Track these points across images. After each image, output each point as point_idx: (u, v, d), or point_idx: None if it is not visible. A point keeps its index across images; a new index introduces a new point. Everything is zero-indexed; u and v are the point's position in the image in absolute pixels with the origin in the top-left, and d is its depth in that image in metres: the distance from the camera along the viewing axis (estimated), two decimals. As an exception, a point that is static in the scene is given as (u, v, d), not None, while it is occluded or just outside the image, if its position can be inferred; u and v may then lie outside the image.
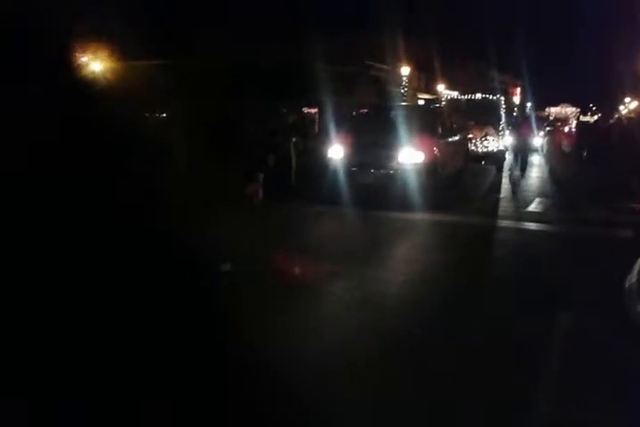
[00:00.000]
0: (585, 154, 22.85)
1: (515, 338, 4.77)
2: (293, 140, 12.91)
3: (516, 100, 50.50)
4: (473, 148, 17.94)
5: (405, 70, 38.85)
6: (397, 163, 11.27)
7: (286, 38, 28.43)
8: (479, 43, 42.19)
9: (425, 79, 44.81)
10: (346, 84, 31.90)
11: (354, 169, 11.52)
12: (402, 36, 36.03)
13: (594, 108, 65.35)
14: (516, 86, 52.41)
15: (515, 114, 31.10)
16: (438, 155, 11.80)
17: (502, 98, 22.54)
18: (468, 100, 22.36)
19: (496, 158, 18.33)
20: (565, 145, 17.44)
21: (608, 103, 52.81)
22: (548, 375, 4.17)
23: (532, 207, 11.94)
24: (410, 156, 11.22)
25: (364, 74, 37.18)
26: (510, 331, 4.91)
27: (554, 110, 50.11)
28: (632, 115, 38.85)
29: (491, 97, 22.38)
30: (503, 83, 48.24)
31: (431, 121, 12.77)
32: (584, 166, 18.94)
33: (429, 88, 43.55)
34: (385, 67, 39.36)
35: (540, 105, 53.29)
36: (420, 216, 10.19)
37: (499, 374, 4.09)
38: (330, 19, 32.60)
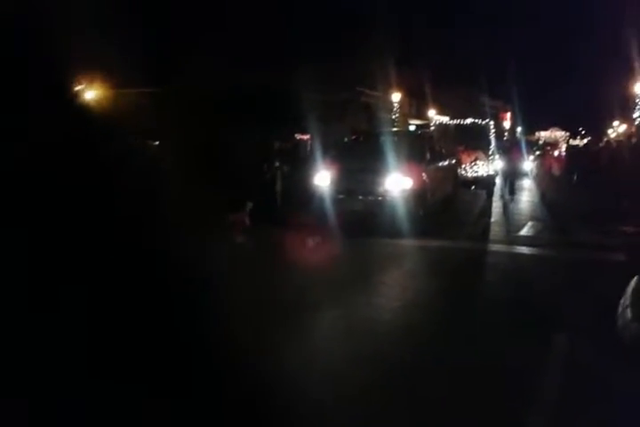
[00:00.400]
0: (575, 177, 22.87)
1: (506, 362, 4.73)
2: (277, 164, 12.82)
3: (507, 124, 50.95)
4: (463, 173, 17.83)
5: (396, 96, 39.16)
6: (385, 189, 11.14)
7: (279, 65, 28.52)
8: (470, 68, 42.53)
9: (416, 105, 45.06)
10: (337, 110, 32.08)
11: (341, 196, 11.34)
12: (393, 63, 36.21)
13: (583, 132, 65.94)
14: (507, 111, 52.81)
15: (505, 138, 31.25)
16: (427, 181, 11.74)
17: (492, 122, 22.25)
18: (457, 124, 22.03)
19: (486, 183, 18.10)
20: (555, 169, 17.41)
21: (597, 127, 53.28)
22: (539, 399, 4.14)
23: (524, 231, 11.95)
24: (398, 182, 11.12)
25: (355, 100, 37.34)
26: (502, 355, 4.88)
27: (544, 134, 50.27)
28: (621, 138, 39.10)
29: (480, 122, 22.03)
30: (494, 108, 48.50)
31: (419, 146, 12.69)
32: (575, 190, 19.09)
33: (420, 114, 43.75)
34: (376, 93, 39.60)
35: (530, 129, 53.71)
36: (409, 243, 10.08)
37: (490, 397, 4.05)
38: (322, 45, 32.78)
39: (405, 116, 42.26)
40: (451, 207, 14.10)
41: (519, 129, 52.07)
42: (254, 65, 26.14)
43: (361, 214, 11.02)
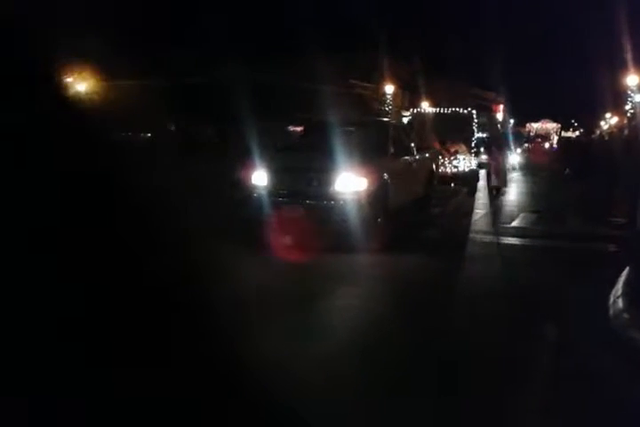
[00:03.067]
0: (567, 170, 21.91)
1: (499, 352, 4.54)
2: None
3: (500, 116, 49.21)
4: (441, 168, 15.10)
5: (389, 88, 38.07)
6: (334, 192, 8.62)
7: (272, 57, 27.53)
8: (462, 60, 40.96)
9: (409, 97, 43.59)
10: (331, 102, 30.80)
11: (280, 199, 8.80)
12: (386, 55, 35.11)
13: (575, 124, 64.05)
14: (499, 103, 50.91)
15: (500, 130, 29.51)
16: (389, 180, 9.29)
17: (474, 111, 19.58)
18: (436, 114, 19.67)
19: (467, 179, 15.82)
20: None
21: (589, 119, 51.60)
22: (528, 388, 3.93)
23: (516, 222, 11.44)
24: (349, 182, 8.63)
25: (348, 92, 36.36)
26: (496, 343, 4.71)
27: (535, 126, 48.02)
28: (613, 130, 37.62)
29: (462, 110, 19.47)
30: (486, 100, 46.76)
31: (380, 139, 10.07)
32: (567, 182, 18.62)
33: (414, 106, 42.21)
34: (369, 85, 38.64)
35: (522, 121, 51.67)
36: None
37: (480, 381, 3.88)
38: (315, 38, 31.68)
39: (399, 108, 40.92)
40: (423, 210, 11.74)
41: (512, 121, 50.39)
42: (249, 57, 24.89)
43: (303, 222, 8.46)
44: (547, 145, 31.90)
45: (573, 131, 56.51)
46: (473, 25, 56.92)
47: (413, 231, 9.94)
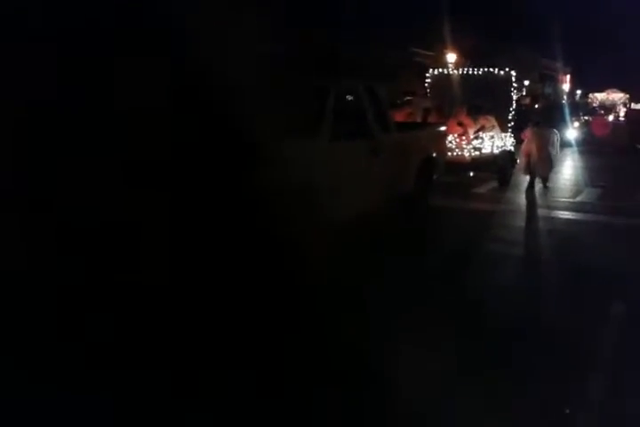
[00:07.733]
0: (638, 145, 19.62)
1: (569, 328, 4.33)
2: None
3: (566, 87, 44.91)
4: (457, 150, 10.77)
5: (451, 57, 35.70)
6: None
7: (330, 24, 25.90)
8: (526, 28, 37.52)
9: (471, 66, 40.71)
10: (390, 70, 28.72)
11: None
12: (448, 23, 32.72)
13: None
14: (566, 73, 46.37)
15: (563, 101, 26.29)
16: (319, 177, 5.19)
17: (513, 73, 13.54)
18: (461, 75, 13.82)
19: (497, 165, 11.42)
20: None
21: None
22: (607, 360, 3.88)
23: (582, 197, 10.59)
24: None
25: (408, 60, 34.53)
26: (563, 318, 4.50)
27: (599, 96, 42.60)
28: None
29: (497, 71, 13.56)
30: (553, 70, 42.67)
31: (310, 112, 5.87)
32: (634, 157, 17.50)
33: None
34: (430, 53, 36.45)
35: (586, 91, 46.79)
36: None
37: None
38: (376, 4, 29.67)
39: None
40: (409, 217, 7.63)
41: (579, 92, 46.02)
42: (298, 24, 23.21)
43: None
44: (610, 118, 28.37)
45: (645, 102, 51.47)
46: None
47: (377, 263, 5.72)
